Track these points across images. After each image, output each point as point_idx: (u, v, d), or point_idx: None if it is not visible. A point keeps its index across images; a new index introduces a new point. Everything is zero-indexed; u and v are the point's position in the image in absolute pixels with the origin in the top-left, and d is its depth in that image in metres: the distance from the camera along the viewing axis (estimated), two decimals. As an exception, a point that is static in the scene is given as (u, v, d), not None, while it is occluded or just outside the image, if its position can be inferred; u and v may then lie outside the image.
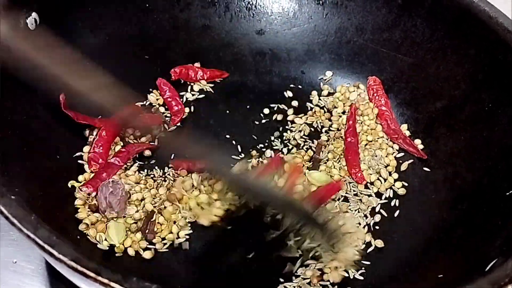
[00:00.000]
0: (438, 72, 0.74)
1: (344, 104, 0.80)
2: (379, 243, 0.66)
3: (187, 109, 0.78)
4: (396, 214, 0.69)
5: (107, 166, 0.68)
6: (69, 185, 0.65)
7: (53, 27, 0.67)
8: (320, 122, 0.78)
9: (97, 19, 0.74)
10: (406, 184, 0.72)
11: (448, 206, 0.67)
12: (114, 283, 0.39)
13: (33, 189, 0.56)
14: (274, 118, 0.78)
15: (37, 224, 0.43)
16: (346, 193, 0.70)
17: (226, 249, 0.64)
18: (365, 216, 0.68)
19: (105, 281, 0.40)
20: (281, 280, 0.61)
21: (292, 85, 0.82)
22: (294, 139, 0.76)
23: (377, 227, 0.67)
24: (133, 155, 0.71)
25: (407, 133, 0.77)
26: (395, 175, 0.73)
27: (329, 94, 0.82)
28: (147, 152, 0.72)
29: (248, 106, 0.80)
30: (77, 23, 0.72)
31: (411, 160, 0.74)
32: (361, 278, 0.62)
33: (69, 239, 0.48)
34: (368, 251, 0.65)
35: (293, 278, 0.62)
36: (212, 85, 0.82)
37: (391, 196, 0.71)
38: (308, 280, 0.62)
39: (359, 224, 0.67)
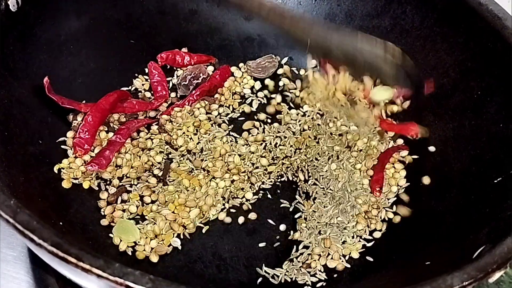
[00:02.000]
0: (427, 59, 0.74)
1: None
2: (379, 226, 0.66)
3: (173, 94, 0.77)
4: (384, 202, 0.69)
5: (109, 144, 0.69)
6: (55, 170, 0.64)
7: (36, 9, 0.66)
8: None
9: (82, 2, 0.72)
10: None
11: (436, 194, 0.67)
12: (96, 269, 0.38)
13: (14, 174, 0.55)
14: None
15: (17, 209, 0.42)
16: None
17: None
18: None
19: (87, 267, 0.39)
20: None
21: (280, 71, 0.82)
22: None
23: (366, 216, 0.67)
24: (133, 131, 0.71)
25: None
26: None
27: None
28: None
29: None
30: (60, 5, 0.70)
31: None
32: (348, 265, 0.62)
33: (51, 225, 0.47)
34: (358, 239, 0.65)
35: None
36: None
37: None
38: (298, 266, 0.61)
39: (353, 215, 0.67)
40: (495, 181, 0.60)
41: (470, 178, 0.64)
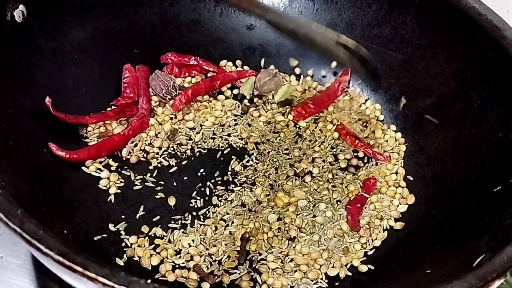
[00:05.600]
0: (427, 69, 0.74)
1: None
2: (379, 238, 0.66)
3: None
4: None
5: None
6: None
7: (41, 20, 0.67)
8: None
9: (86, 13, 0.73)
10: (395, 181, 0.72)
11: (436, 202, 0.67)
12: (102, 278, 0.39)
13: (20, 184, 0.55)
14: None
15: (24, 218, 0.43)
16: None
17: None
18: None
19: (93, 275, 0.39)
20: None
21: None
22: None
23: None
24: None
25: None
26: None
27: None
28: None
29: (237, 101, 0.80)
30: (65, 16, 0.71)
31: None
32: (350, 273, 0.63)
33: (56, 234, 0.48)
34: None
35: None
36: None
37: (380, 192, 0.71)
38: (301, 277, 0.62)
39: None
40: (495, 189, 0.60)
41: (470, 187, 0.65)
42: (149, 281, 0.40)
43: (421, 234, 0.65)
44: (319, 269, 0.62)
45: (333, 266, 0.63)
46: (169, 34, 0.81)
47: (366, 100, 0.80)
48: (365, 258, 0.64)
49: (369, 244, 0.65)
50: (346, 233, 0.66)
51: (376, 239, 0.66)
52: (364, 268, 0.63)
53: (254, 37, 0.83)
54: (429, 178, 0.71)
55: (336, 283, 0.62)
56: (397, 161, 0.74)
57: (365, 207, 0.69)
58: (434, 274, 0.55)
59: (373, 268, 0.63)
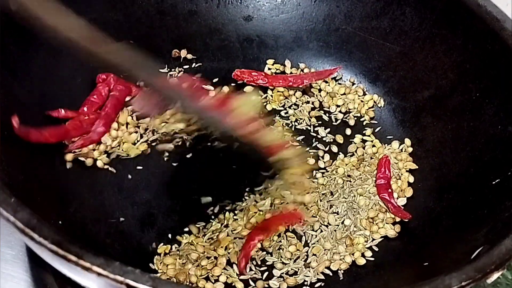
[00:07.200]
0: (426, 61, 0.74)
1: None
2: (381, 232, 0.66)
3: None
4: (382, 203, 0.69)
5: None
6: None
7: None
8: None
9: (81, 3, 0.72)
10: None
11: (434, 195, 0.67)
12: (96, 267, 0.39)
13: (14, 173, 0.55)
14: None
15: (17, 207, 0.42)
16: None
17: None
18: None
19: (87, 265, 0.39)
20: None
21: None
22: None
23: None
24: None
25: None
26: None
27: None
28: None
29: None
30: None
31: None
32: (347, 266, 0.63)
33: (50, 224, 0.47)
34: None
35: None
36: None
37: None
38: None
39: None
40: (493, 182, 0.60)
41: (469, 180, 0.64)
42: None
43: (419, 226, 0.65)
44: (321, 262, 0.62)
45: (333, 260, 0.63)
46: (166, 25, 0.80)
47: (364, 92, 0.79)
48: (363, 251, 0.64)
49: (370, 238, 0.65)
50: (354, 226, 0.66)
51: (377, 232, 0.65)
52: (361, 261, 0.63)
53: (252, 29, 0.83)
54: (427, 171, 0.70)
55: (333, 276, 0.62)
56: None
57: None
58: (432, 266, 0.55)
59: (370, 260, 0.63)
